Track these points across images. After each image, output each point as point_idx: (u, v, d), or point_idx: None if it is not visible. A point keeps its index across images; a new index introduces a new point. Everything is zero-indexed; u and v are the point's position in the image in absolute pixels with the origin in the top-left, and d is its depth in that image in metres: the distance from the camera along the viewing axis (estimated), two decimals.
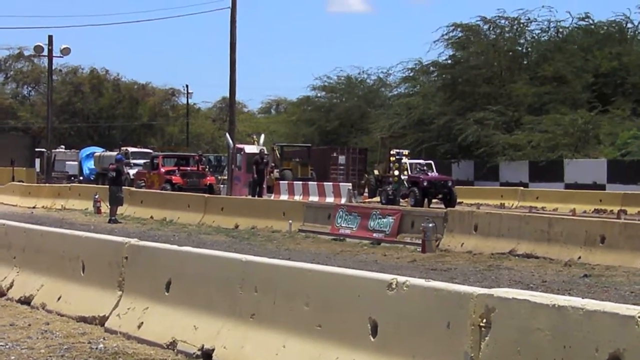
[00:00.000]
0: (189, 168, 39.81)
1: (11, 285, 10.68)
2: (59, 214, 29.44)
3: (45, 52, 53.65)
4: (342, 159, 48.99)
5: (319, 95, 70.49)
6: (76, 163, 58.07)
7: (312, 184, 36.88)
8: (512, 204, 35.84)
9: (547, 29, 52.51)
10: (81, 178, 54.58)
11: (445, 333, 5.64)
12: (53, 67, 58.31)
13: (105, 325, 8.67)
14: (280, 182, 38.52)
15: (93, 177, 50.91)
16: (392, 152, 36.06)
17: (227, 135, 42.66)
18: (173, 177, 37.50)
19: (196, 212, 25.71)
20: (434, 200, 34.28)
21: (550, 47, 51.51)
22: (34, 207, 33.01)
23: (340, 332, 6.41)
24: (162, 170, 38.90)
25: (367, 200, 36.81)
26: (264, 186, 36.17)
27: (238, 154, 39.73)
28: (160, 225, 24.68)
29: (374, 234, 19.76)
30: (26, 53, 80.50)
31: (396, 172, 34.51)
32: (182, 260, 8.31)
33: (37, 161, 56.78)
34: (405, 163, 34.95)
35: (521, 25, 52.20)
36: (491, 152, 46.15)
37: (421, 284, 6.01)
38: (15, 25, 74.91)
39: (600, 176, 40.51)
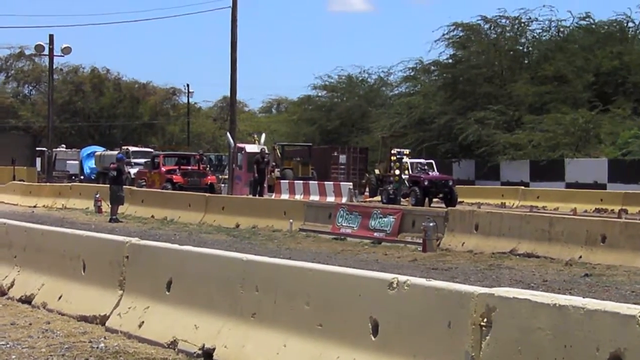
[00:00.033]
0: (189, 167, 39.80)
1: (12, 285, 10.68)
2: (59, 213, 29.44)
3: (46, 51, 53.62)
4: (343, 158, 49.04)
5: (319, 94, 70.53)
6: (77, 162, 58.08)
7: (313, 183, 36.90)
8: (513, 204, 35.84)
9: (548, 29, 52.54)
10: (82, 177, 54.62)
11: (446, 332, 5.64)
12: (54, 66, 58.33)
13: (106, 324, 8.67)
14: (281, 181, 38.54)
15: (94, 176, 50.94)
16: (393, 152, 36.07)
17: (228, 134, 42.68)
18: (174, 177, 37.49)
19: (197, 211, 25.72)
20: (434, 200, 34.28)
21: (551, 46, 51.51)
22: (34, 207, 33.02)
23: (341, 331, 6.41)
24: (163, 169, 38.89)
25: (368, 200, 36.81)
26: (265, 185, 36.19)
27: (239, 153, 39.74)
28: (161, 225, 24.68)
29: (375, 233, 19.76)
30: (27, 52, 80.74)
31: (397, 172, 34.52)
32: (183, 260, 8.31)
33: (38, 160, 56.80)
34: (406, 162, 34.96)
35: (522, 24, 52.21)
36: (492, 152, 46.13)
37: (422, 284, 6.01)
38: (16, 25, 74.99)
39: (601, 175, 40.50)
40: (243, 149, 40.01)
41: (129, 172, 39.25)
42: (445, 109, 50.67)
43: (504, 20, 52.10)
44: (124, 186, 27.73)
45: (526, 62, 53.22)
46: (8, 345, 7.95)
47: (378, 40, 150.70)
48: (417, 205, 31.44)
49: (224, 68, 49.27)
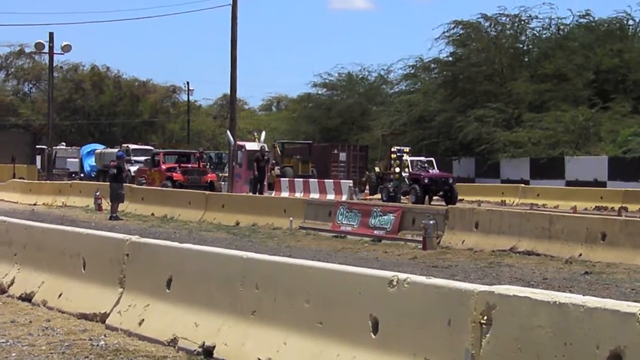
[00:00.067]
0: (189, 165, 39.81)
1: (12, 282, 10.69)
2: (59, 211, 29.45)
3: (46, 49, 53.60)
4: (343, 156, 49.05)
5: (319, 92, 70.57)
6: (77, 160, 58.09)
7: (313, 181, 36.91)
8: (513, 201, 35.83)
9: (547, 26, 52.55)
10: (82, 175, 54.63)
11: (446, 330, 5.64)
12: (54, 64, 58.28)
13: (106, 322, 8.68)
14: (281, 179, 38.53)
15: (94, 174, 50.96)
16: (393, 150, 36.02)
17: (228, 132, 42.63)
18: (174, 174, 37.49)
19: (197, 209, 25.72)
20: (434, 198, 34.26)
21: (551, 44, 51.51)
22: (34, 204, 33.02)
23: (341, 329, 6.41)
24: (163, 167, 38.90)
25: (368, 198, 36.81)
26: (265, 183, 36.17)
27: (239, 151, 39.71)
28: (161, 223, 24.68)
29: (375, 231, 19.77)
30: (27, 50, 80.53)
31: (397, 169, 34.48)
32: (183, 258, 8.31)
33: (38, 158, 56.81)
34: (406, 160, 34.92)
35: (522, 22, 52.22)
36: (492, 149, 46.13)
37: (422, 281, 6.01)
38: (16, 23, 74.95)
39: (601, 173, 40.52)
40: (243, 146, 39.98)
41: (129, 170, 39.23)
42: (446, 106, 50.68)
43: (504, 18, 52.18)
44: (124, 184, 27.73)
45: (526, 59, 53.23)
46: (8, 343, 7.96)
47: (378, 38, 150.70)
48: (417, 203, 31.42)
49: (224, 66, 49.29)
